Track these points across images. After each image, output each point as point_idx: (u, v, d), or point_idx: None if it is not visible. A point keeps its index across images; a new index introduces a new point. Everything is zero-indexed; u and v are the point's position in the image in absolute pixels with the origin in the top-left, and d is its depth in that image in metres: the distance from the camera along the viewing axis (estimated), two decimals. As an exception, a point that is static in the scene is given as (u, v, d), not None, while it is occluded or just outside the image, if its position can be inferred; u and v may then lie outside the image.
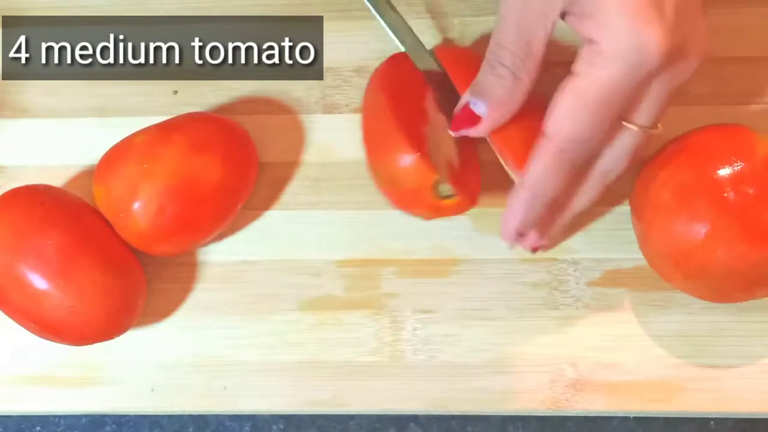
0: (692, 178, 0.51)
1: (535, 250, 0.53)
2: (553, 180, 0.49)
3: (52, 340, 0.56)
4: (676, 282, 0.54)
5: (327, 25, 0.60)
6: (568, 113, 0.47)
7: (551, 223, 0.52)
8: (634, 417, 0.57)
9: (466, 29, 0.60)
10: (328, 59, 0.60)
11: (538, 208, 0.49)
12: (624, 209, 0.57)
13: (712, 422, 0.57)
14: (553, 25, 0.47)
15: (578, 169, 0.49)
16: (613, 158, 0.50)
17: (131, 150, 0.56)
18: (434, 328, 0.57)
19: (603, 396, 0.56)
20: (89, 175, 0.58)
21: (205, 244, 0.59)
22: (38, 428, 0.60)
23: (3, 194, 0.56)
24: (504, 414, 0.58)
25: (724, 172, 0.51)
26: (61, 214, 0.55)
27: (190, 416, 0.59)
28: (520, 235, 0.51)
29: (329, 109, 0.60)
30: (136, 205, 0.54)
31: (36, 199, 0.55)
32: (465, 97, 0.50)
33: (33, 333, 0.55)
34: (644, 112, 0.48)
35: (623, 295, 0.57)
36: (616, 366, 0.56)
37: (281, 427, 0.59)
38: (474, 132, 0.50)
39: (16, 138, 0.61)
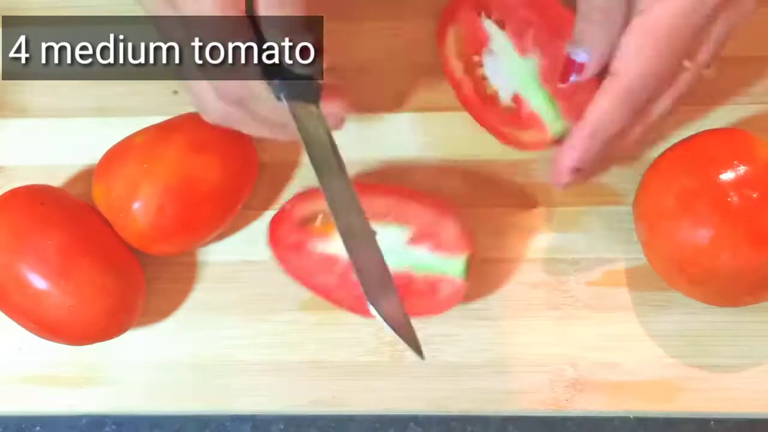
0: (695, 183, 0.51)
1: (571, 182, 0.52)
2: (617, 118, 0.49)
3: (52, 340, 0.56)
4: (681, 287, 0.54)
5: (327, 25, 0.60)
6: (637, 51, 0.47)
7: (601, 162, 0.52)
8: (634, 417, 0.57)
9: (466, 29, 0.60)
10: (328, 59, 0.60)
11: (597, 145, 0.50)
12: (624, 209, 0.57)
13: (712, 422, 0.57)
14: None
15: (639, 110, 0.49)
16: (667, 98, 0.50)
17: (131, 150, 0.56)
18: (434, 328, 0.57)
19: (603, 396, 0.56)
20: (89, 175, 0.58)
21: (205, 244, 0.59)
22: (38, 428, 0.60)
23: (3, 194, 0.56)
24: (504, 414, 0.57)
25: (727, 176, 0.51)
26: (61, 214, 0.55)
27: (190, 416, 0.59)
28: (575, 171, 0.50)
29: (329, 109, 0.60)
30: (136, 205, 0.54)
31: (36, 199, 0.55)
32: (567, 50, 0.51)
33: (33, 333, 0.55)
34: (704, 53, 0.49)
35: (623, 295, 0.57)
36: (616, 366, 0.56)
37: (281, 427, 0.59)
38: (581, 78, 0.50)
39: (16, 138, 0.61)
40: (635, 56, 0.47)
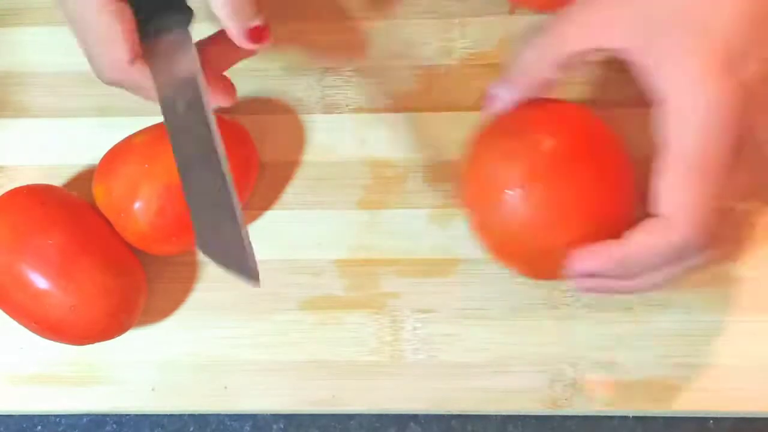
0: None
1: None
2: (651, 265, 0.47)
3: (53, 340, 0.56)
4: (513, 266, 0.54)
5: (327, 26, 0.60)
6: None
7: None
8: (633, 417, 0.57)
9: (466, 29, 0.60)
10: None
11: (618, 270, 0.48)
12: (624, 209, 0.57)
13: (711, 422, 0.57)
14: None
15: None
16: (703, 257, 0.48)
17: (132, 150, 0.56)
18: (434, 328, 0.57)
19: (602, 396, 0.56)
20: (89, 175, 0.58)
21: (206, 244, 0.59)
22: (39, 428, 0.60)
23: (3, 194, 0.57)
24: (504, 414, 0.58)
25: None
26: (62, 214, 0.55)
27: (191, 416, 0.59)
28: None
29: (329, 109, 0.60)
30: (136, 205, 0.55)
31: (36, 199, 0.55)
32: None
33: (34, 332, 0.55)
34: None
35: (623, 294, 0.57)
36: (615, 366, 0.56)
37: (281, 426, 0.59)
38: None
39: (16, 138, 0.61)
40: (687, 209, 0.44)
